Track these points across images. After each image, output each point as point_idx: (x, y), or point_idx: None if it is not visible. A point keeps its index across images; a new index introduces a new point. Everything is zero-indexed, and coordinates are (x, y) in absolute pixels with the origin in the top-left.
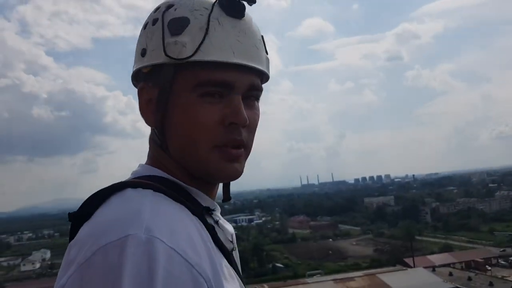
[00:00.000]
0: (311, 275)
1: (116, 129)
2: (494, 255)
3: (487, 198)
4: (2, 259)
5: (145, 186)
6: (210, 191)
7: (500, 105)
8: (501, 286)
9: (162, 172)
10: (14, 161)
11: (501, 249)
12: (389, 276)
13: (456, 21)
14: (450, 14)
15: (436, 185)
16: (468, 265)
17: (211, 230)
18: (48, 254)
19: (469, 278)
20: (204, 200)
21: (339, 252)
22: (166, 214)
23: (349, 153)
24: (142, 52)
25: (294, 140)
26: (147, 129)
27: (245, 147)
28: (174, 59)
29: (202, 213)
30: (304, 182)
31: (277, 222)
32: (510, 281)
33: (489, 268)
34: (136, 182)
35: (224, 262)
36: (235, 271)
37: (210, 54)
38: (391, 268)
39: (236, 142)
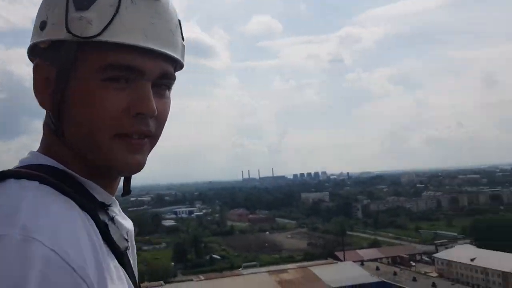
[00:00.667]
0: (247, 267)
1: None
2: (419, 251)
3: (415, 198)
4: None
5: (30, 177)
6: (109, 184)
7: (431, 110)
8: (423, 282)
9: (54, 162)
10: None
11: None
12: (320, 269)
13: (396, 27)
14: (391, 21)
15: (369, 184)
16: (394, 261)
17: (103, 228)
18: None
19: (395, 273)
20: (100, 194)
21: (274, 245)
22: (50, 211)
23: (289, 150)
24: (41, 25)
25: (238, 135)
26: None
27: (152, 137)
28: (77, 36)
29: (94, 209)
30: (246, 176)
31: (217, 215)
32: (432, 277)
33: (413, 264)
34: (21, 172)
35: (114, 263)
36: (127, 272)
37: (118, 35)
38: (323, 261)
39: (142, 133)
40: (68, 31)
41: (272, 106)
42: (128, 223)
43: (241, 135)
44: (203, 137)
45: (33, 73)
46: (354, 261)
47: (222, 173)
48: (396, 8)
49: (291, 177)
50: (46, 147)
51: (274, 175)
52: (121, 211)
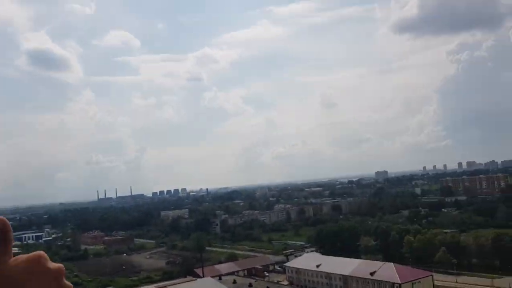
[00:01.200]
0: None
1: None
2: (272, 262)
3: (268, 211)
4: None
5: None
6: None
7: (280, 129)
8: None
9: None
10: None
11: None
12: (178, 287)
13: (250, 51)
14: (245, 44)
15: (226, 198)
16: (250, 272)
17: None
18: None
19: (250, 285)
20: None
21: (132, 266)
22: None
23: (148, 168)
24: None
25: (94, 153)
26: None
27: None
28: None
29: None
30: (102, 196)
31: (69, 239)
32: (284, 285)
33: (267, 274)
34: None
35: None
36: None
37: None
38: (182, 279)
39: None
40: None
41: (131, 123)
42: None
43: (97, 152)
44: (54, 155)
45: None
46: (212, 276)
47: (76, 193)
48: (249, 33)
49: (151, 195)
50: None
51: (133, 193)
52: None
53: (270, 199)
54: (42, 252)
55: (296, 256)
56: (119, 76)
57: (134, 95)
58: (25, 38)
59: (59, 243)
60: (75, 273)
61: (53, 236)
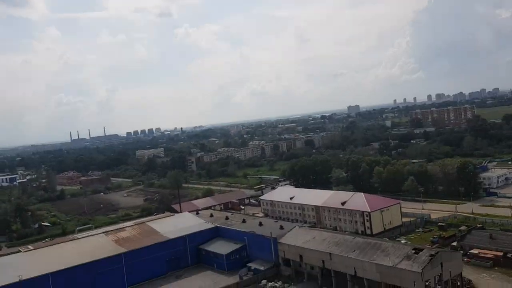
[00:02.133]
0: (81, 230)
1: None
2: (247, 196)
3: (242, 147)
4: None
5: None
6: None
7: (254, 66)
8: (251, 222)
9: None
10: None
11: (257, 188)
12: (157, 222)
13: None
14: None
15: (201, 137)
16: (226, 206)
17: None
18: None
19: (227, 218)
20: None
21: (110, 204)
22: None
23: (121, 108)
24: None
25: (63, 93)
26: None
27: None
28: None
29: None
30: (75, 137)
31: (44, 180)
32: (259, 216)
33: (243, 207)
34: None
35: None
36: None
37: None
38: (160, 215)
39: None
40: None
41: (100, 62)
42: None
43: (67, 93)
44: (21, 97)
45: None
46: (190, 211)
47: (48, 135)
48: None
49: (125, 135)
50: None
51: (106, 134)
52: None
53: (245, 136)
54: None
55: (271, 189)
56: (86, 12)
57: (102, 32)
58: None
59: (34, 185)
60: (53, 213)
61: (28, 178)
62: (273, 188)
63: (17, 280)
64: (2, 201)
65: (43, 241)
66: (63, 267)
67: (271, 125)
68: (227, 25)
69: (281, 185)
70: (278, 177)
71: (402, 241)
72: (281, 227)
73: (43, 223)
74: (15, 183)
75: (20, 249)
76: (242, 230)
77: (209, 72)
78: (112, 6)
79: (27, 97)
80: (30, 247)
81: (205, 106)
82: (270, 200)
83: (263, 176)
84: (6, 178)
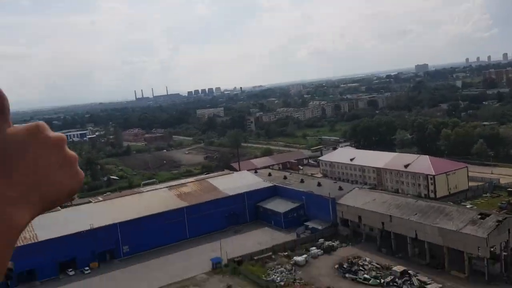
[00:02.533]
0: (146, 184)
1: None
2: (306, 156)
3: (302, 108)
4: None
5: None
6: None
7: (317, 23)
8: (310, 182)
9: None
10: None
11: (313, 149)
12: (217, 179)
13: None
14: None
15: (260, 97)
16: (284, 166)
17: None
18: None
19: (285, 177)
20: None
21: (173, 161)
22: None
23: (183, 67)
24: None
25: (128, 53)
26: None
27: None
28: None
29: None
30: (139, 95)
31: (112, 136)
32: (318, 177)
33: (301, 167)
34: None
35: None
36: None
37: None
38: (220, 172)
39: None
40: None
41: (163, 21)
42: None
43: (131, 52)
44: (89, 57)
45: None
46: (248, 170)
47: (114, 93)
48: None
49: (186, 94)
50: None
51: (168, 93)
52: None
53: (305, 96)
54: (41, 122)
55: (332, 150)
56: None
57: None
58: None
59: (102, 140)
60: (120, 168)
61: (96, 134)
62: (334, 149)
63: (88, 228)
64: None
65: (106, 194)
66: (130, 218)
67: (333, 84)
68: None
69: (342, 146)
70: (338, 138)
71: (468, 206)
72: (340, 188)
73: (111, 177)
74: (85, 138)
75: (91, 200)
76: (300, 189)
77: (270, 30)
78: None
79: (95, 57)
80: (100, 198)
81: (265, 65)
82: (330, 161)
83: (323, 136)
84: (77, 134)
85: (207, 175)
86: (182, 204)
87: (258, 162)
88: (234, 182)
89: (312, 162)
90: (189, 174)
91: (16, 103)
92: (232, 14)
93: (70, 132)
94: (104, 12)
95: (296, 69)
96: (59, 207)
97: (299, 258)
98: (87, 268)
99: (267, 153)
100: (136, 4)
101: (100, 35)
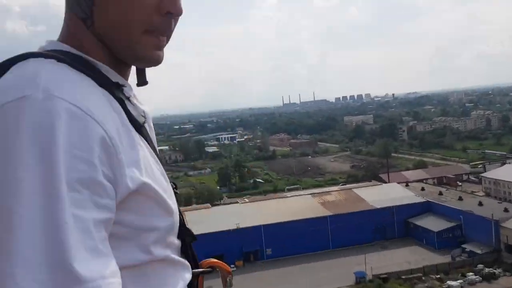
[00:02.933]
0: (290, 190)
1: None
2: (466, 171)
3: (463, 117)
4: None
5: (47, 57)
6: (123, 71)
7: (483, 24)
8: (469, 201)
9: (71, 48)
10: None
11: (473, 164)
12: (364, 190)
13: None
14: None
15: (415, 104)
16: (440, 181)
17: (120, 102)
18: None
19: (440, 193)
20: (115, 77)
21: (317, 168)
22: (69, 77)
23: (331, 73)
24: None
25: (277, 59)
26: None
27: (168, 38)
28: None
29: (111, 87)
30: (286, 101)
31: (259, 140)
32: (479, 196)
33: (460, 183)
34: (38, 53)
35: (134, 131)
36: (148, 143)
37: None
38: (367, 183)
39: (168, 32)
40: None
41: (313, 27)
42: (145, 107)
43: (280, 59)
44: (242, 64)
45: None
46: (398, 183)
47: (263, 99)
48: None
49: (333, 100)
50: (67, 36)
51: (316, 99)
52: (137, 97)
53: (466, 104)
54: None
55: (497, 166)
56: None
57: None
58: None
59: (250, 144)
60: (265, 171)
61: (245, 137)
62: (501, 165)
63: (235, 227)
64: (224, 157)
65: (246, 197)
66: (274, 221)
67: (501, 92)
68: None
69: (509, 163)
70: (505, 153)
71: None
72: (506, 210)
73: (257, 179)
74: (234, 141)
75: (238, 201)
76: (458, 208)
77: (426, 32)
78: None
79: (246, 63)
80: (246, 199)
81: (420, 71)
82: (494, 179)
83: (486, 151)
84: (228, 137)
85: (353, 185)
86: (326, 212)
87: (409, 174)
88: (382, 194)
89: (473, 178)
90: (333, 182)
91: (180, 107)
92: (386, 18)
93: (221, 135)
94: (256, 21)
95: (457, 74)
96: (209, 205)
97: (454, 283)
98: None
99: (420, 165)
100: (286, 11)
101: (252, 43)
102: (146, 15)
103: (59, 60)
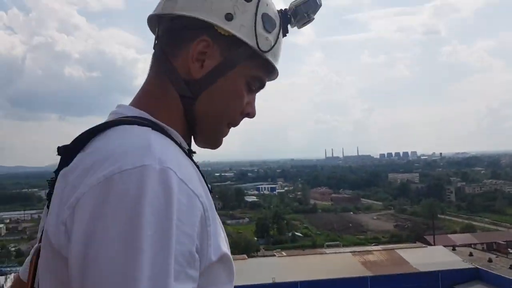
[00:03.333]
0: (330, 246)
1: None
2: None
3: None
4: (33, 211)
5: (140, 124)
6: (187, 141)
7: None
8: None
9: (145, 113)
10: (46, 118)
11: None
12: (407, 252)
13: None
14: None
15: (464, 165)
16: (490, 247)
17: (198, 169)
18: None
19: (490, 260)
20: (185, 145)
21: (359, 225)
22: (171, 149)
23: (376, 128)
24: (228, 17)
25: (322, 112)
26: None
27: None
28: (260, 50)
29: (189, 154)
30: (329, 154)
31: (299, 193)
32: None
33: (511, 251)
34: (130, 120)
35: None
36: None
37: (275, 57)
38: (411, 244)
39: (236, 126)
40: (257, 43)
41: (359, 82)
42: None
43: (325, 112)
44: (286, 115)
45: (192, 42)
46: (445, 246)
47: (305, 151)
48: None
49: (378, 156)
50: (146, 102)
51: (359, 154)
52: None
53: None
54: None
55: None
56: (348, 35)
57: (363, 53)
58: None
59: (290, 196)
60: (305, 225)
61: (285, 189)
62: None
63: (271, 281)
64: (263, 207)
65: (283, 251)
66: (311, 278)
67: None
68: (503, 40)
69: None
70: None
71: None
72: None
73: (296, 233)
74: (274, 192)
75: (275, 253)
76: (509, 277)
77: (477, 92)
78: (376, 27)
79: (290, 115)
80: (283, 253)
81: (471, 131)
82: None
83: None
84: (268, 187)
85: (396, 245)
86: (367, 273)
87: (456, 238)
88: (427, 258)
89: None
90: (376, 241)
91: (222, 155)
92: (434, 75)
93: (262, 184)
94: (303, 74)
95: (509, 136)
96: (245, 256)
97: None
98: None
99: (469, 229)
100: (333, 66)
101: (297, 95)
102: (235, 113)
103: (153, 128)
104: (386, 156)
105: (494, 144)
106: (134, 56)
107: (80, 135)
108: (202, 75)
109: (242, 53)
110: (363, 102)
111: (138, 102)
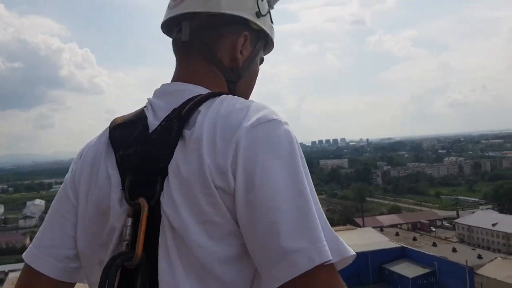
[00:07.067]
0: None
1: (72, 84)
2: (439, 217)
3: (436, 164)
4: None
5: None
6: None
7: (456, 73)
8: (443, 247)
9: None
10: None
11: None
12: (338, 234)
13: None
14: None
15: (389, 150)
16: (414, 226)
17: None
18: (1, 209)
19: (414, 238)
20: None
21: None
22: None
23: (307, 117)
24: (257, 14)
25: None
26: (105, 86)
27: None
28: (272, 42)
29: None
30: None
31: None
32: (453, 242)
33: (434, 229)
34: (224, 92)
35: None
36: None
37: (273, 37)
38: (342, 227)
39: None
40: (271, 37)
41: (291, 72)
42: None
43: (260, 101)
44: None
45: (237, 37)
46: (373, 227)
47: None
48: None
49: (309, 144)
50: (202, 82)
51: None
52: None
53: (440, 151)
54: None
55: (469, 212)
56: (279, 25)
57: (295, 43)
58: None
59: None
60: None
61: None
62: (473, 212)
63: None
64: None
65: None
66: None
67: (472, 140)
68: (426, 30)
69: (482, 209)
70: (478, 199)
71: None
72: (480, 257)
73: None
74: None
75: None
76: (432, 254)
77: (402, 81)
78: (306, 17)
79: None
80: None
81: (395, 117)
82: (468, 225)
83: (459, 197)
84: None
85: None
86: None
87: (384, 219)
88: (356, 239)
89: (447, 224)
90: None
91: None
92: (362, 64)
93: None
94: None
95: (431, 121)
96: None
97: None
98: None
99: (395, 210)
100: (265, 56)
101: None
102: (252, 88)
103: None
104: (317, 143)
105: (417, 130)
106: (58, 45)
107: (182, 104)
108: (242, 63)
109: (263, 42)
110: (295, 92)
111: (196, 80)
